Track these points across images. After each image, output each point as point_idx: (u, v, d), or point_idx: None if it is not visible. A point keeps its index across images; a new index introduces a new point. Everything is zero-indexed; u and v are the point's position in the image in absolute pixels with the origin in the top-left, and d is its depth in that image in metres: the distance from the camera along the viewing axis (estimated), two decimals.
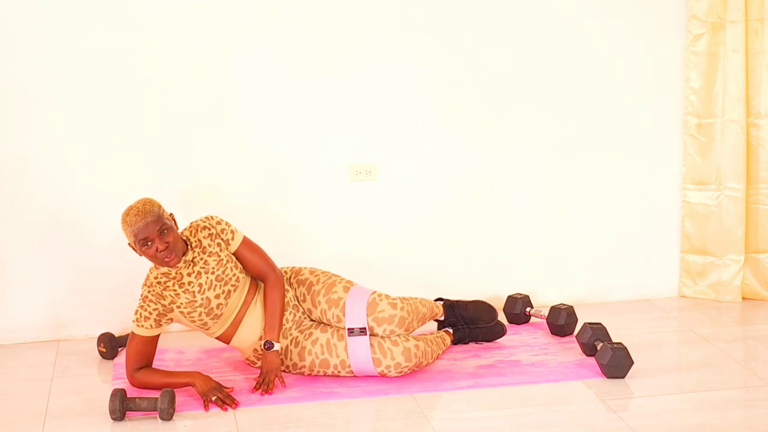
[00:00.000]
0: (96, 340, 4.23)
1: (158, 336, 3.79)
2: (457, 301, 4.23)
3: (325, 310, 3.92)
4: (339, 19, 4.33)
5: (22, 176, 4.24)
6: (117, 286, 4.33)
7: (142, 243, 3.67)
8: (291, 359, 3.90)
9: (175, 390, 3.69)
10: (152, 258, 3.71)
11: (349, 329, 3.85)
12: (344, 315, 3.86)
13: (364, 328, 3.84)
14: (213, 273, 3.81)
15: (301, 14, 4.29)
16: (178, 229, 3.79)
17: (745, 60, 4.47)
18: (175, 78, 4.25)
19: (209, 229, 3.85)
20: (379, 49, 4.38)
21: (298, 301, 3.99)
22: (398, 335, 3.87)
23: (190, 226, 3.88)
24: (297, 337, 3.90)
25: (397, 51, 4.39)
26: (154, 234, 3.67)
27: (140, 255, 3.73)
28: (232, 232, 3.89)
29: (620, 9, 4.50)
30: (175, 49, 4.23)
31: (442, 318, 4.22)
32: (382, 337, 3.86)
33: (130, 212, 3.68)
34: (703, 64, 4.53)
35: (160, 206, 3.72)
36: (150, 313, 3.74)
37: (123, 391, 3.61)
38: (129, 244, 3.74)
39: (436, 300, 4.24)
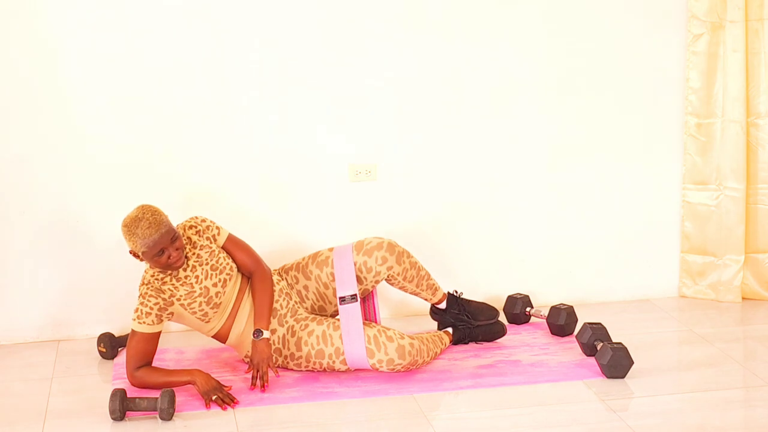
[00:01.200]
0: (96, 340, 4.23)
1: (159, 334, 3.79)
2: (460, 295, 4.24)
3: (319, 275, 3.98)
4: (339, 19, 4.33)
5: (23, 177, 4.24)
6: (117, 286, 4.33)
7: (156, 253, 3.69)
8: (288, 348, 3.91)
9: (175, 390, 3.69)
10: (162, 265, 3.73)
11: (340, 298, 3.89)
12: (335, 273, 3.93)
13: (355, 295, 3.88)
14: (207, 263, 3.85)
15: (301, 14, 4.29)
16: None
17: (745, 60, 4.47)
18: (175, 78, 4.25)
19: (196, 227, 3.91)
20: (379, 49, 4.37)
21: (292, 288, 4.00)
22: (395, 331, 3.87)
23: (178, 227, 3.90)
24: (293, 325, 3.92)
25: (397, 50, 4.39)
26: (167, 243, 3.70)
27: (144, 261, 3.75)
28: (218, 228, 3.94)
29: (620, 9, 4.50)
30: (174, 50, 4.23)
31: (444, 305, 4.21)
32: (378, 330, 3.85)
33: (140, 224, 3.67)
34: (703, 64, 4.53)
35: (163, 213, 3.74)
36: (151, 309, 3.75)
37: (123, 391, 3.61)
38: (132, 252, 3.74)
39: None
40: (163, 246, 3.69)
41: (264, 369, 3.79)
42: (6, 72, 4.15)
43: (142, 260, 3.75)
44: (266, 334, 3.83)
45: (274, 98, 4.34)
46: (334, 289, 3.98)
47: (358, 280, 3.97)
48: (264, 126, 4.36)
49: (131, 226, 3.69)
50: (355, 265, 3.96)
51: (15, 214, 4.26)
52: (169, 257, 3.72)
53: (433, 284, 4.14)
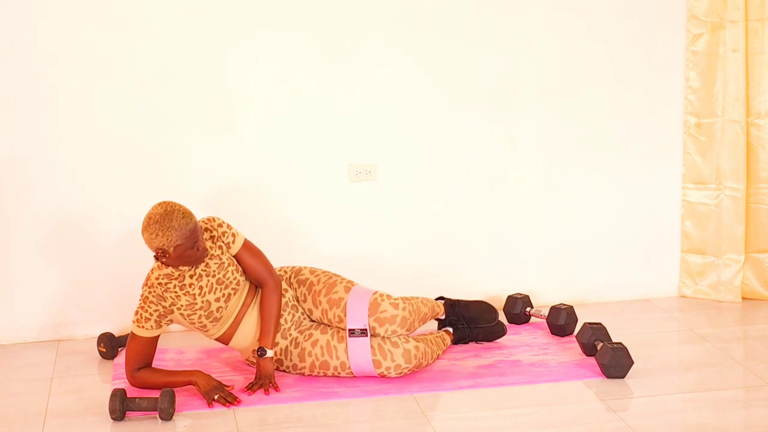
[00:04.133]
0: (96, 340, 4.23)
1: (158, 336, 3.78)
2: (458, 300, 4.23)
3: (326, 310, 3.91)
4: (339, 19, 4.33)
5: (23, 176, 4.24)
6: (117, 286, 4.33)
7: (190, 246, 3.64)
8: (291, 360, 3.89)
9: (175, 390, 3.69)
10: (191, 259, 3.67)
11: (350, 330, 3.85)
12: (345, 315, 3.86)
13: (365, 330, 3.84)
14: (214, 276, 3.79)
15: (301, 14, 4.29)
16: None
17: (745, 60, 4.47)
18: (176, 78, 4.26)
19: (210, 231, 3.83)
20: (379, 49, 4.38)
21: (298, 302, 3.99)
22: (399, 335, 3.87)
23: None
24: (297, 337, 3.90)
25: (397, 51, 4.39)
26: (200, 233, 3.67)
27: (166, 261, 3.66)
28: (233, 235, 3.86)
29: (620, 9, 4.50)
30: (175, 50, 4.23)
31: (443, 317, 4.22)
32: (382, 338, 3.85)
33: (174, 216, 3.61)
34: (703, 64, 4.53)
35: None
36: (150, 315, 3.73)
37: (123, 391, 3.61)
38: (160, 249, 3.62)
39: (437, 299, 4.24)
40: (197, 237, 3.65)
41: (266, 385, 3.78)
42: (7, 71, 4.15)
43: (166, 259, 3.66)
44: (270, 353, 3.81)
45: (274, 98, 4.34)
46: (338, 327, 3.90)
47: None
48: (264, 126, 4.36)
49: (164, 221, 3.60)
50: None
51: (15, 214, 4.26)
52: (198, 248, 3.67)
53: (432, 310, 4.11)
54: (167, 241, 3.61)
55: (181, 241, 3.62)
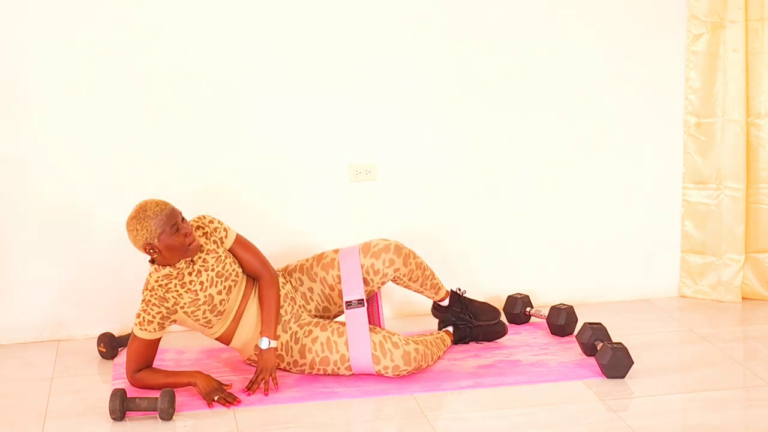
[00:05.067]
0: (96, 340, 4.23)
1: (160, 338, 3.78)
2: (464, 293, 4.23)
3: (324, 277, 3.96)
4: (339, 19, 4.33)
5: (23, 175, 4.24)
6: (117, 286, 4.33)
7: (172, 230, 3.64)
8: (291, 356, 3.90)
9: (175, 390, 3.69)
10: (180, 247, 3.67)
11: (346, 302, 3.88)
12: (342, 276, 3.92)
13: (362, 300, 3.87)
14: (213, 270, 3.81)
15: (301, 14, 4.29)
16: None
17: (745, 60, 4.47)
18: (176, 78, 4.25)
19: (203, 228, 3.85)
20: (379, 49, 4.38)
21: (296, 290, 3.99)
22: (399, 337, 3.87)
23: None
24: (297, 332, 3.90)
25: (397, 51, 4.39)
26: (179, 218, 3.68)
27: (157, 254, 3.67)
28: (225, 230, 3.89)
29: (620, 9, 4.50)
30: (175, 49, 4.23)
31: (446, 303, 4.20)
32: (384, 336, 3.85)
33: (147, 207, 3.64)
34: (703, 64, 4.54)
35: None
36: (153, 317, 3.73)
37: (123, 391, 3.61)
38: (146, 245, 3.65)
39: None
40: (176, 220, 3.65)
41: (266, 378, 3.79)
42: (7, 70, 4.15)
43: (158, 256, 3.68)
44: (274, 344, 3.82)
45: (275, 98, 4.34)
46: (340, 291, 3.96)
47: (365, 281, 3.96)
48: (264, 126, 4.36)
49: (139, 215, 3.64)
50: (362, 267, 3.95)
51: (16, 214, 4.26)
52: (186, 234, 3.67)
53: (437, 283, 4.14)
54: (148, 233, 3.64)
55: (162, 228, 3.64)
